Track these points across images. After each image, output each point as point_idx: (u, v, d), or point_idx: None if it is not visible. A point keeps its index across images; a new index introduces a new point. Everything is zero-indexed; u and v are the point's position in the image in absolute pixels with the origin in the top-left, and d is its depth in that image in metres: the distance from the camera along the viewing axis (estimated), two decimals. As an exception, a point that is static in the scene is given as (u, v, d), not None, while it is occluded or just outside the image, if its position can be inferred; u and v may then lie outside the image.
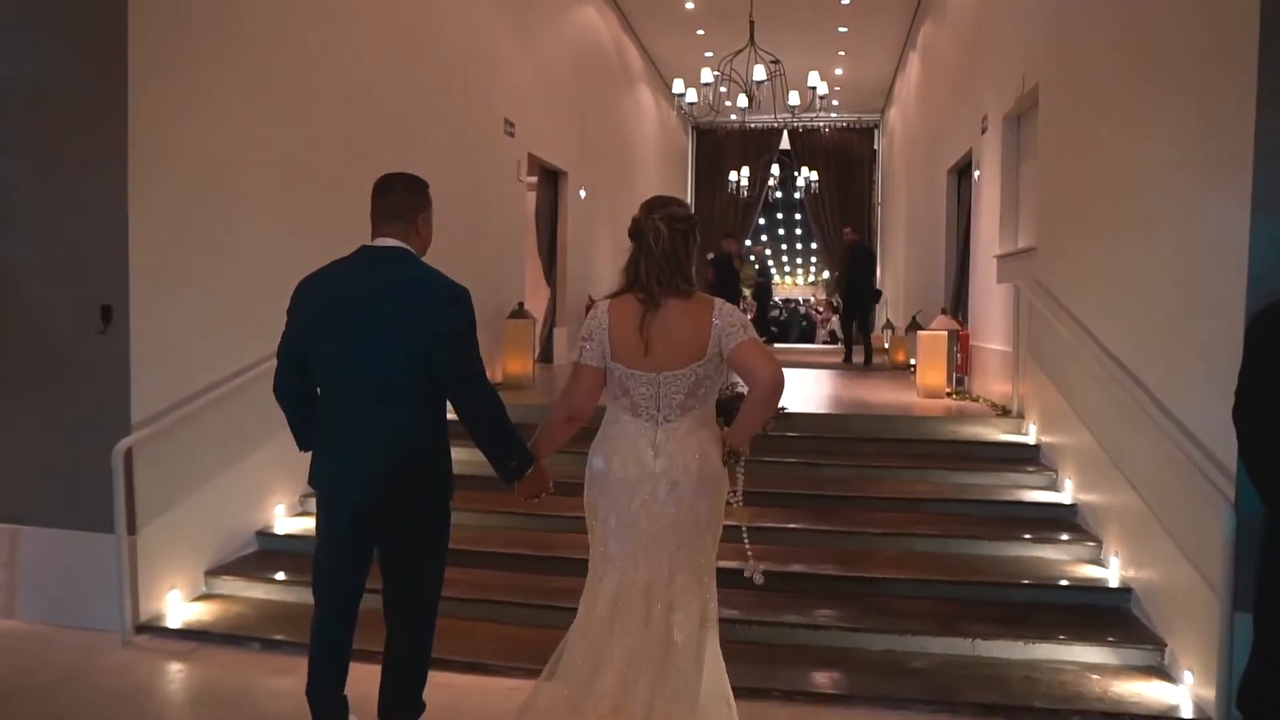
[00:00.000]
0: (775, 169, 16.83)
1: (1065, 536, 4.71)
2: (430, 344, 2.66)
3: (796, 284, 28.57)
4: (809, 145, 19.54)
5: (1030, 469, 5.50)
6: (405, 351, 2.67)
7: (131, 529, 4.14)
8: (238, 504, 4.85)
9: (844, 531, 4.82)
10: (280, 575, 4.61)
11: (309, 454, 2.88)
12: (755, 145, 19.24)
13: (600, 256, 12.61)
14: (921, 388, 7.67)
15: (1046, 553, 4.61)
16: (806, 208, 20.39)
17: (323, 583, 2.88)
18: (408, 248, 2.80)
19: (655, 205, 2.66)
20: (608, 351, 2.63)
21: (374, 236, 2.83)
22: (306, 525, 5.02)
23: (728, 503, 2.74)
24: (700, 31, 13.31)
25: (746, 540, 2.86)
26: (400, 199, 2.82)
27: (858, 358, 11.93)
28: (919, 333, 7.82)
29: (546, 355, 11.29)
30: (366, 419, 2.73)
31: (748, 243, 17.77)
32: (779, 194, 21.42)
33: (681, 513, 2.61)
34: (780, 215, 25.51)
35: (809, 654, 3.87)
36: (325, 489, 2.85)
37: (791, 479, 5.46)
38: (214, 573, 4.63)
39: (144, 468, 4.20)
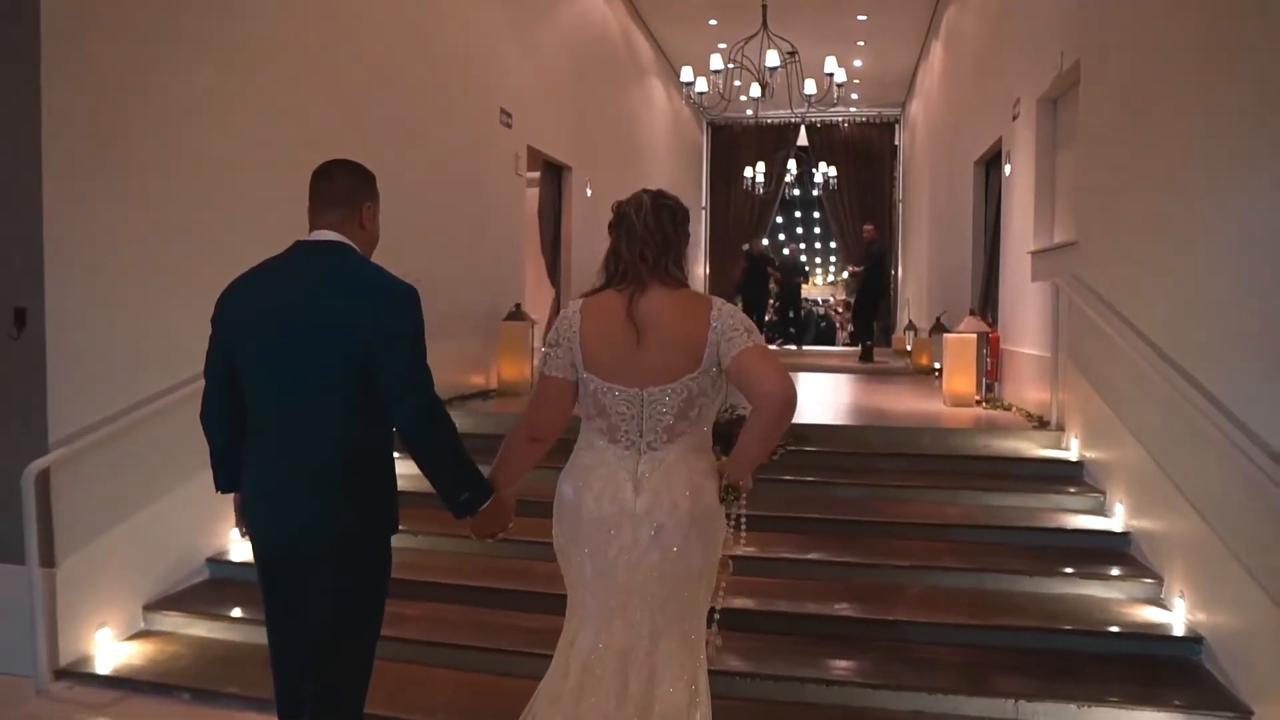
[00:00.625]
0: (792, 165, 16.19)
1: (1117, 571, 4.12)
2: (369, 349, 2.20)
3: (815, 283, 27.91)
4: (827, 141, 18.92)
5: (1073, 490, 4.90)
6: (340, 358, 2.23)
7: (48, 560, 3.64)
8: (186, 528, 4.34)
9: (862, 564, 4.25)
10: (229, 610, 4.11)
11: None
12: (772, 141, 18.64)
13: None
14: (948, 395, 7.08)
15: (1095, 590, 4.02)
16: (825, 205, 19.76)
17: (272, 646, 2.43)
18: (347, 241, 2.36)
19: (639, 192, 2.33)
20: (579, 360, 2.21)
21: (311, 230, 2.40)
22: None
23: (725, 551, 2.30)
24: (712, 21, 12.74)
25: (717, 611, 2.32)
26: (342, 185, 2.41)
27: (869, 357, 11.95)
28: (945, 335, 7.23)
29: (550, 359, 10.78)
30: (293, 442, 2.29)
31: (781, 238, 17.15)
32: (796, 191, 20.79)
33: (668, 562, 2.16)
34: (798, 213, 24.87)
35: (822, 715, 3.31)
36: (250, 528, 2.41)
37: (802, 500, 4.90)
38: (154, 607, 4.12)
39: (68, 491, 3.70)
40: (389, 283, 2.31)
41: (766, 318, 14.85)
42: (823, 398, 7.84)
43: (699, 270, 19.70)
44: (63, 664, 3.71)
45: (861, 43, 13.74)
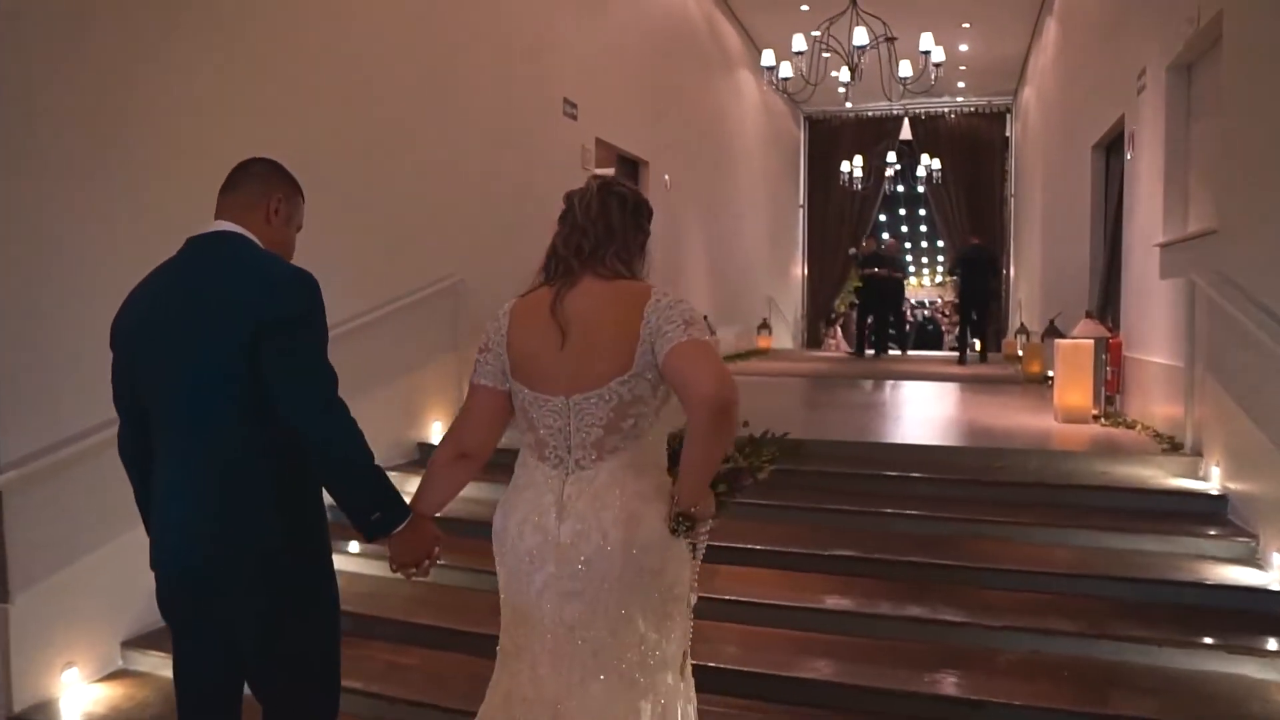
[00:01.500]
0: (891, 157, 15.15)
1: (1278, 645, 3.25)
2: (250, 343, 1.91)
3: (921, 284, 26.61)
4: (932, 133, 17.76)
5: (1214, 532, 4.00)
6: (223, 357, 1.93)
7: (0, 595, 3.26)
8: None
9: (946, 621, 3.50)
10: None
11: None
12: (872, 135, 17.62)
13: (689, 254, 11.46)
14: (1060, 409, 6.16)
15: (1249, 669, 3.14)
16: (930, 201, 18.60)
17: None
18: (242, 231, 2.07)
19: (598, 176, 2.06)
20: (506, 366, 1.96)
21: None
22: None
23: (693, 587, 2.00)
24: (804, 8, 11.93)
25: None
26: (253, 173, 2.15)
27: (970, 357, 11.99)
28: (1057, 341, 6.32)
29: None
30: (189, 461, 2.00)
31: (885, 237, 16.13)
32: (899, 188, 19.66)
33: (597, 604, 1.85)
34: (903, 211, 23.64)
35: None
36: (156, 564, 2.09)
37: (873, 537, 4.16)
38: (134, 644, 3.72)
39: (25, 516, 3.32)
40: (275, 266, 2.02)
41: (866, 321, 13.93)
42: (912, 411, 7.01)
43: (796, 272, 18.85)
44: (17, 709, 3.31)
45: (966, 25, 12.68)
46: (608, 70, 8.77)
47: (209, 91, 4.15)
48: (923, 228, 23.85)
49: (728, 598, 3.68)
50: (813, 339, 18.92)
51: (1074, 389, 6.10)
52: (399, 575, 2.09)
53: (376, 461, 2.00)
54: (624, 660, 1.86)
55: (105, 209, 3.63)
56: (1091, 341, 6.11)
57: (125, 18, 3.71)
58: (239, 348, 1.90)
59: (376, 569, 4.07)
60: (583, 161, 8.13)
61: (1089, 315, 6.56)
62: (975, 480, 4.63)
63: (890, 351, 14.38)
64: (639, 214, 2.02)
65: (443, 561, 2.20)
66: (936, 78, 8.38)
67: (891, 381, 9.64)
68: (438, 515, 2.12)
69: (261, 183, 2.13)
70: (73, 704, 3.40)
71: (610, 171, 8.72)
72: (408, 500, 2.07)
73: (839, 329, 19.04)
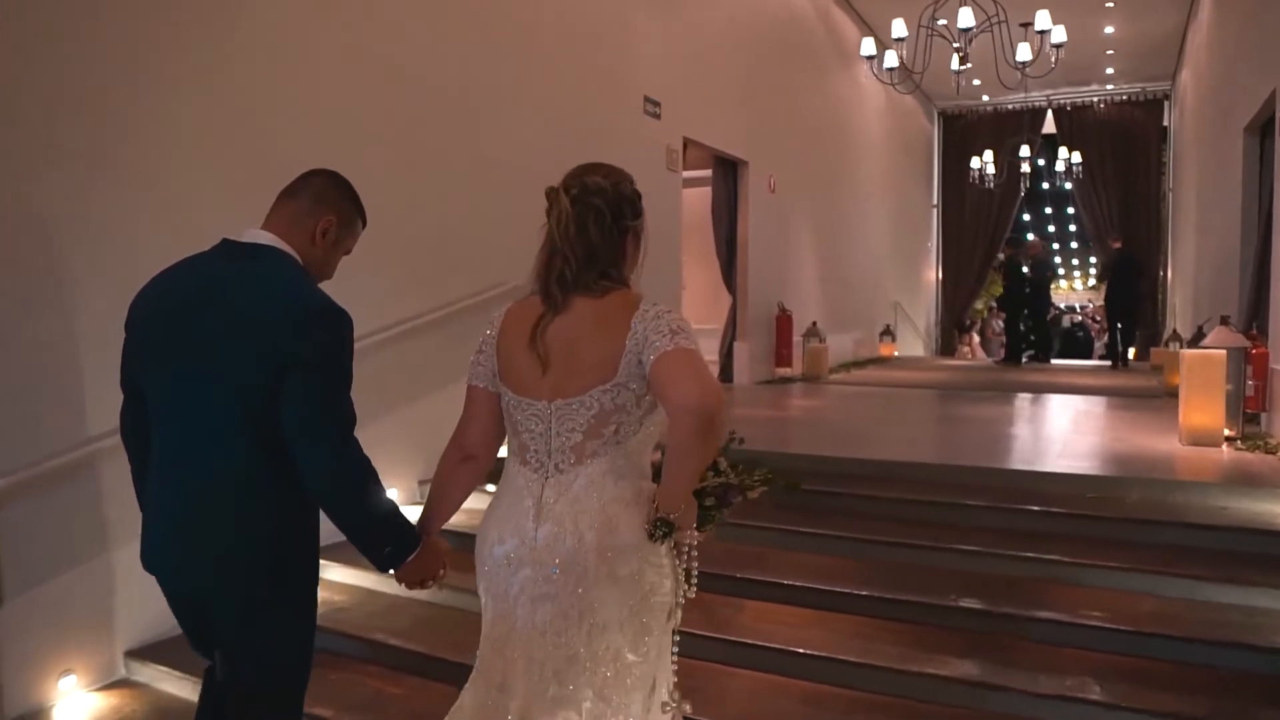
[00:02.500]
0: (1025, 150, 13.98)
1: None
2: (272, 372, 1.86)
3: (1074, 288, 24.81)
4: (1079, 125, 16.39)
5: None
6: (237, 377, 1.90)
7: (-9, 599, 3.26)
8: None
9: (991, 685, 2.96)
10: None
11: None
12: (1012, 130, 16.42)
13: (796, 257, 10.95)
14: (1185, 430, 5.36)
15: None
16: (1077, 199, 17.18)
17: None
18: (282, 246, 2.01)
19: (571, 175, 1.95)
20: (496, 370, 1.97)
21: None
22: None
23: (678, 601, 1.92)
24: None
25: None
26: (312, 186, 2.08)
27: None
28: (1182, 351, 5.51)
29: (726, 374, 9.85)
30: (177, 472, 1.97)
31: (1030, 237, 15.05)
32: (1045, 185, 18.29)
33: (570, 610, 1.82)
34: (1049, 209, 22.06)
35: None
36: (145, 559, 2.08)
37: (924, 575, 3.64)
38: (138, 654, 3.67)
39: (20, 522, 3.29)
40: (304, 295, 1.94)
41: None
42: (1009, 428, 6.29)
43: (928, 276, 17.85)
44: (9, 715, 3.30)
45: (1110, 3, 11.56)
46: (699, 67, 8.41)
47: (247, 83, 4.12)
48: (1072, 227, 22.16)
49: (744, 640, 3.28)
50: (947, 346, 17.89)
51: (1201, 407, 5.29)
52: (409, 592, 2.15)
53: (388, 493, 2.01)
54: (596, 674, 1.82)
55: (120, 207, 3.61)
56: (1224, 352, 5.28)
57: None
58: (258, 373, 1.87)
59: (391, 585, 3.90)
60: (668, 163, 7.83)
61: (1224, 321, 5.68)
62: (1057, 512, 4.01)
63: (1028, 360, 13.31)
64: (621, 217, 1.92)
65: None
66: (1057, 60, 7.57)
67: (1009, 393, 8.82)
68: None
69: (316, 200, 2.06)
70: (68, 712, 3.37)
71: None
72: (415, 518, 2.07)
73: (975, 336, 17.91)
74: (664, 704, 1.90)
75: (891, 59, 8.23)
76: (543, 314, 1.87)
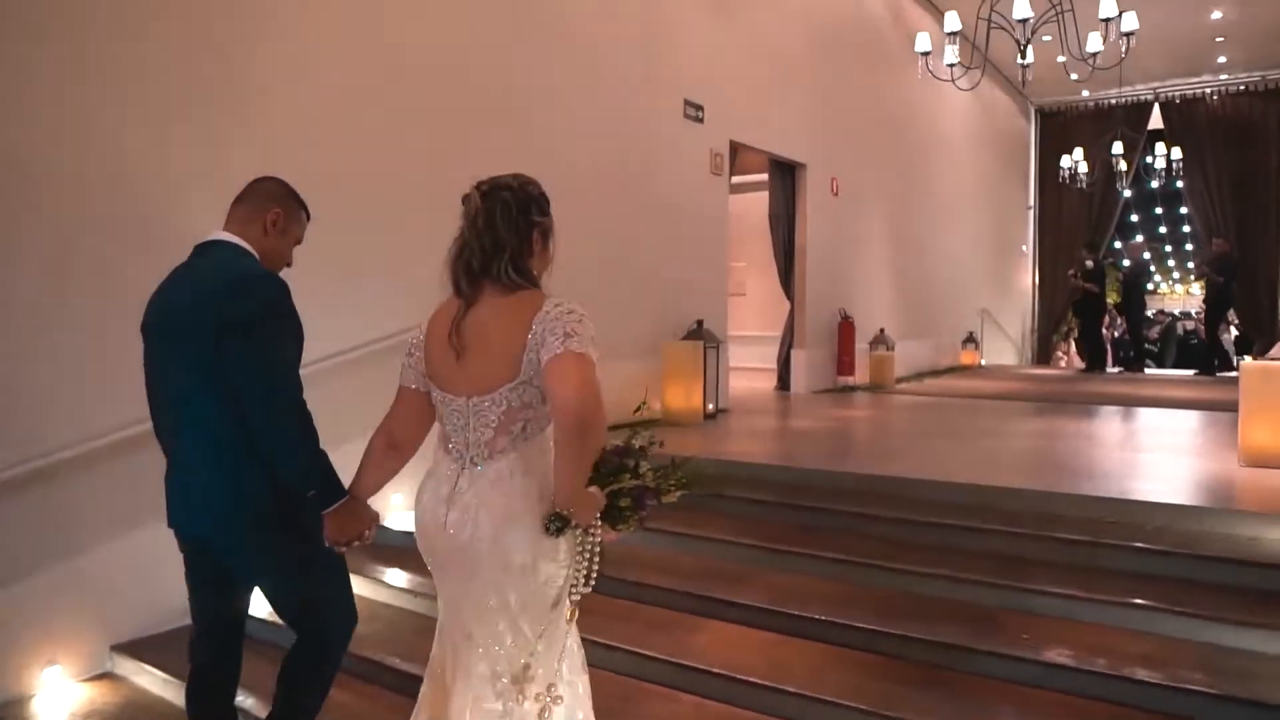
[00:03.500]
0: (1118, 147, 13.12)
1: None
2: (216, 338, 2.21)
3: (1190, 293, 23.28)
4: (1188, 119, 15.36)
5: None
6: (195, 350, 2.25)
7: (-24, 587, 3.43)
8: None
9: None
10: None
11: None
12: (1117, 125, 15.47)
13: (864, 264, 10.61)
14: (1244, 450, 4.91)
15: None
16: (1186, 198, 16.08)
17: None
18: (235, 240, 2.39)
19: (484, 179, 2.08)
20: (424, 370, 2.11)
21: None
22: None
23: (570, 598, 2.00)
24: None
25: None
26: (256, 189, 2.47)
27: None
28: (1243, 363, 5.05)
29: (784, 382, 9.63)
30: (178, 442, 2.37)
31: (1139, 238, 14.21)
32: (1154, 184, 17.17)
33: (471, 588, 1.98)
34: (1160, 209, 20.76)
35: None
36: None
37: (903, 603, 3.42)
38: (126, 649, 3.80)
39: (4, 516, 3.47)
40: (241, 269, 2.30)
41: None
42: (1048, 443, 5.87)
43: (1023, 280, 17.05)
44: (-6, 703, 3.48)
45: (1214, -13, 10.78)
46: (750, 69, 8.24)
47: (273, 99, 4.26)
48: (1186, 228, 20.79)
49: (691, 664, 3.15)
50: (1045, 354, 17.03)
51: (1264, 425, 4.83)
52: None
53: (321, 445, 2.26)
54: (490, 653, 1.96)
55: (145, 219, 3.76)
56: (1287, 366, 4.82)
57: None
58: (207, 341, 2.20)
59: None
60: (712, 167, 7.69)
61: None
62: (1061, 538, 3.71)
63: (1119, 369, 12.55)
64: (527, 212, 2.03)
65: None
66: (1128, 50, 7.07)
67: (1077, 405, 8.30)
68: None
69: (263, 198, 2.43)
70: (49, 701, 3.51)
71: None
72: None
73: (1070, 343, 17.00)
74: (538, 694, 1.97)
75: (951, 55, 7.85)
76: (459, 311, 1.99)
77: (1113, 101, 15.82)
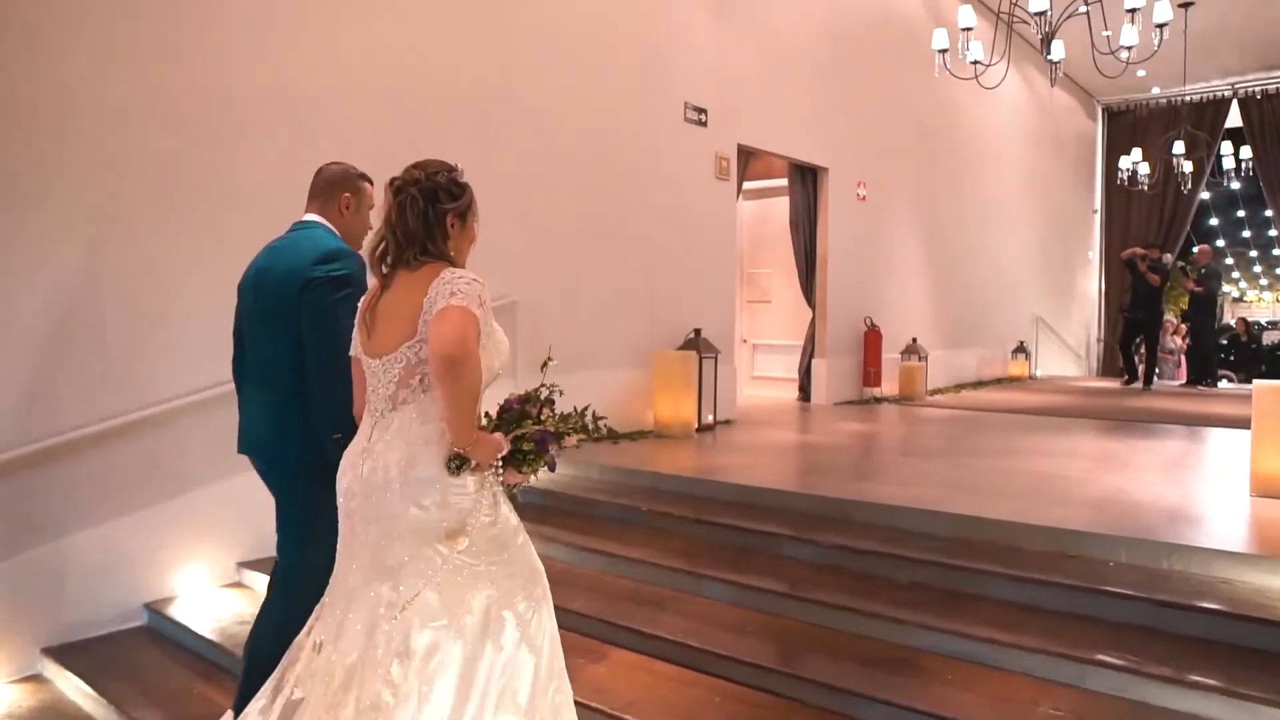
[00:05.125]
0: (1179, 147, 12.34)
1: None
2: (297, 297, 2.62)
3: None
4: (1271, 116, 14.43)
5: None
6: (281, 309, 2.67)
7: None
8: (121, 563, 4.02)
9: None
10: (123, 679, 3.55)
11: (253, 500, 3.05)
12: (1192, 124, 14.61)
13: (894, 271, 10.24)
14: (1255, 477, 4.50)
15: None
16: (1268, 199, 15.10)
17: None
18: (319, 220, 2.84)
19: (400, 174, 2.30)
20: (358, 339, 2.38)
21: None
22: (239, 609, 4.03)
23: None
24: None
25: None
26: (325, 178, 2.88)
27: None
28: (1255, 383, 4.62)
29: (805, 393, 9.34)
30: (253, 384, 2.82)
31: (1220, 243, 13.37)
32: (1235, 185, 16.19)
33: (392, 531, 2.17)
34: (1242, 212, 19.60)
35: None
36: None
37: (826, 643, 3.19)
38: (55, 652, 3.79)
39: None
40: (326, 243, 2.70)
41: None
42: (1045, 464, 5.49)
43: (1087, 287, 16.26)
44: (-94, 707, 3.53)
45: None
46: (763, 71, 8.00)
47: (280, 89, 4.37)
48: (1273, 232, 19.56)
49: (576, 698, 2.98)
50: (1112, 365, 16.20)
51: (1276, 450, 4.42)
52: None
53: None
54: (423, 574, 2.13)
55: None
56: (1301, 387, 4.39)
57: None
58: (291, 301, 2.62)
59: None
60: (717, 172, 7.49)
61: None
62: (1001, 574, 3.41)
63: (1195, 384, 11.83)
64: (436, 201, 2.22)
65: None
66: (1160, 42, 6.61)
67: (1110, 421, 7.81)
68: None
69: (331, 185, 2.86)
70: (-29, 702, 3.54)
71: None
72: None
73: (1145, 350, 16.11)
74: (505, 613, 2.18)
75: (978, 51, 7.48)
76: (376, 295, 2.27)
77: (1187, 99, 14.96)
